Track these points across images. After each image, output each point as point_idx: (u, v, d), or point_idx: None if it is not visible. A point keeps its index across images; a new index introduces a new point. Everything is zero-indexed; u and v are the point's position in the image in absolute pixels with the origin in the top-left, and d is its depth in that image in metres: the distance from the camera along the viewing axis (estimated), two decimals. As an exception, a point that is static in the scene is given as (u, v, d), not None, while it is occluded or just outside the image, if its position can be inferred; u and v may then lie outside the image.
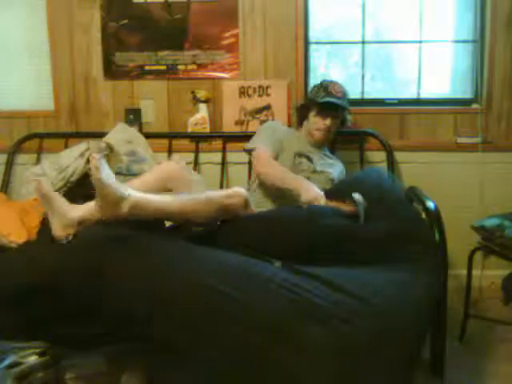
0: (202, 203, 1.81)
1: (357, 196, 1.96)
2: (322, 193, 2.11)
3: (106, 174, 1.58)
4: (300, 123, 2.59)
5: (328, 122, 2.44)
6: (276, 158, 2.42)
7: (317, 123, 2.46)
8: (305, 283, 1.48)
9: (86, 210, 1.86)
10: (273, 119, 2.83)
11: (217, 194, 1.89)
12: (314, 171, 2.42)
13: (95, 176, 1.56)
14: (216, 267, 1.55)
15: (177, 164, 2.19)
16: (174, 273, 1.54)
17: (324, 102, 2.42)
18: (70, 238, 1.81)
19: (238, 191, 1.90)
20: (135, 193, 1.67)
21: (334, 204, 2.02)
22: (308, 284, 1.48)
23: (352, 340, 1.37)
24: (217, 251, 1.67)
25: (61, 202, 1.93)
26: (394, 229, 1.77)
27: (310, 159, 2.45)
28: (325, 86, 2.47)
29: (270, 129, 2.54)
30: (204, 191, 2.26)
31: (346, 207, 1.95)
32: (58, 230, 1.88)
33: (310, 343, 1.35)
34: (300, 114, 2.58)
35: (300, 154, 2.45)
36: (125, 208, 1.62)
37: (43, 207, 1.97)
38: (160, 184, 2.07)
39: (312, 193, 2.11)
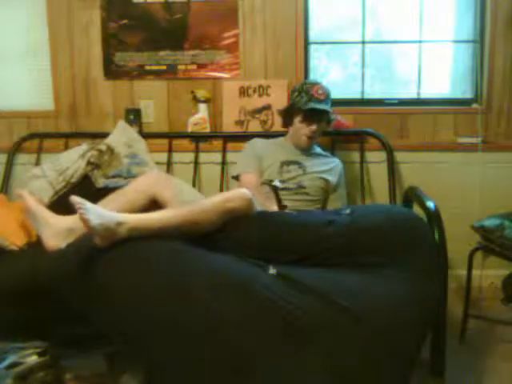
0: (204, 212, 1.77)
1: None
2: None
3: (93, 217, 1.55)
4: (285, 127, 2.58)
5: (314, 127, 2.42)
6: (261, 174, 2.44)
7: (303, 129, 2.43)
8: (296, 299, 1.48)
9: (75, 219, 1.86)
10: (272, 119, 2.83)
11: (217, 199, 1.83)
12: (305, 173, 2.43)
13: (86, 225, 1.55)
14: (208, 280, 1.54)
15: (153, 173, 2.22)
16: (164, 285, 1.54)
17: (308, 109, 2.38)
18: (63, 246, 1.81)
19: (240, 193, 1.85)
20: (129, 217, 1.66)
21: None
22: (300, 300, 1.48)
23: (342, 359, 1.38)
24: (211, 258, 1.66)
25: (45, 213, 1.94)
26: (392, 231, 1.77)
27: (299, 164, 2.46)
28: (306, 90, 2.41)
29: (248, 148, 2.55)
30: (191, 191, 2.28)
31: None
32: (49, 241, 1.88)
33: (301, 367, 1.36)
34: (284, 120, 2.55)
35: (288, 162, 2.46)
36: (122, 233, 1.61)
37: (29, 221, 1.98)
38: (143, 197, 2.08)
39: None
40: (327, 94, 2.44)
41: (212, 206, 1.79)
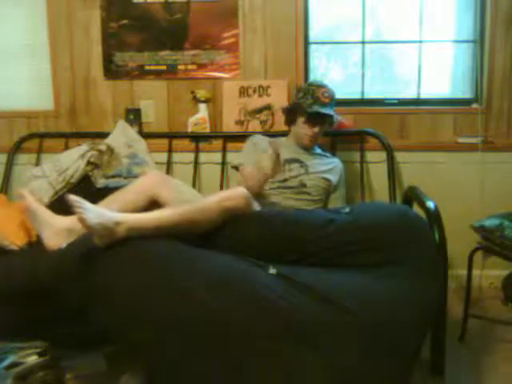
0: (201, 210, 1.78)
1: None
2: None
3: (92, 215, 1.56)
4: (288, 125, 2.58)
5: (317, 129, 2.43)
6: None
7: (305, 130, 2.44)
8: (296, 299, 1.48)
9: (75, 219, 1.86)
10: (272, 119, 2.84)
11: (215, 198, 1.84)
12: (307, 173, 2.43)
13: (84, 224, 1.56)
14: (208, 280, 1.54)
15: (153, 174, 2.21)
16: (164, 285, 1.54)
17: (313, 112, 2.39)
18: (63, 246, 1.82)
19: (237, 192, 1.87)
20: (127, 216, 1.67)
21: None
22: (300, 300, 1.48)
23: (342, 359, 1.38)
24: (211, 257, 1.65)
25: (46, 213, 1.95)
26: (392, 230, 1.77)
27: (301, 162, 2.46)
28: (312, 92, 2.41)
29: (251, 144, 2.54)
30: (191, 192, 2.28)
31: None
32: (50, 241, 1.89)
33: (301, 367, 1.36)
34: (287, 118, 2.55)
35: (290, 160, 2.46)
36: (121, 232, 1.62)
37: (30, 220, 1.99)
38: (143, 198, 2.08)
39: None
40: (332, 97, 2.45)
41: (210, 205, 1.80)
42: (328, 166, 2.51)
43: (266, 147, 2.49)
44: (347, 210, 1.92)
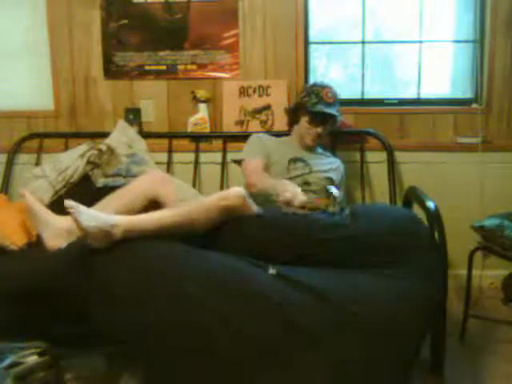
0: (199, 211, 1.80)
1: (333, 189, 2.11)
2: (299, 190, 2.00)
3: (86, 218, 1.58)
4: (290, 125, 2.59)
5: (320, 129, 2.45)
6: (266, 166, 2.43)
7: (309, 130, 2.46)
8: (296, 299, 1.48)
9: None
10: (272, 119, 2.84)
11: (212, 197, 1.86)
12: (311, 172, 2.44)
13: (78, 227, 1.58)
14: (208, 280, 1.54)
15: (153, 173, 2.23)
16: (164, 286, 1.54)
17: (317, 112, 2.41)
18: (63, 246, 1.82)
19: (234, 191, 1.87)
20: (123, 218, 1.68)
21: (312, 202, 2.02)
22: (300, 300, 1.48)
23: (343, 359, 1.38)
24: (210, 257, 1.65)
25: (46, 213, 1.95)
26: (392, 231, 1.77)
27: (305, 161, 2.47)
28: (316, 92, 2.44)
29: (256, 140, 2.54)
30: (191, 192, 2.29)
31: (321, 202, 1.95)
32: (50, 241, 1.89)
33: (302, 367, 1.36)
34: (291, 118, 2.57)
35: (295, 159, 2.47)
36: (118, 234, 1.63)
37: (30, 220, 1.99)
38: (142, 197, 2.09)
39: (288, 192, 1.97)
40: (336, 97, 2.47)
41: (208, 205, 1.82)
42: (330, 166, 2.52)
43: (269, 147, 2.49)
44: (347, 211, 1.92)
